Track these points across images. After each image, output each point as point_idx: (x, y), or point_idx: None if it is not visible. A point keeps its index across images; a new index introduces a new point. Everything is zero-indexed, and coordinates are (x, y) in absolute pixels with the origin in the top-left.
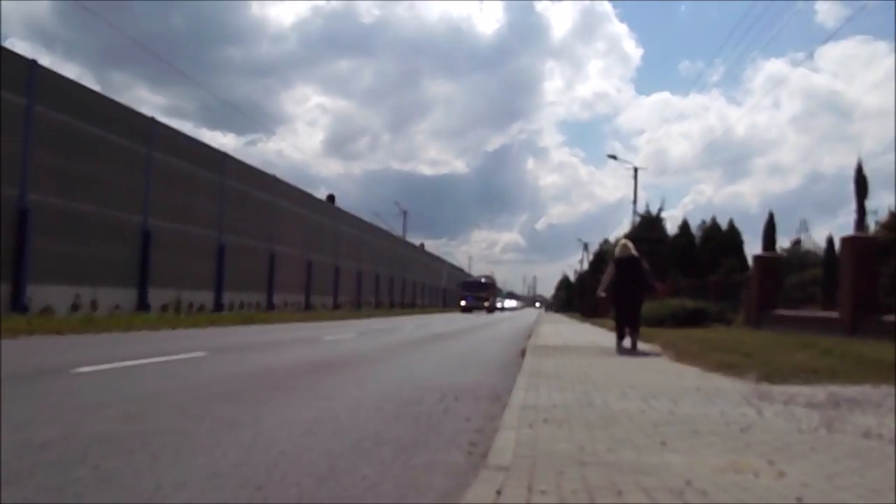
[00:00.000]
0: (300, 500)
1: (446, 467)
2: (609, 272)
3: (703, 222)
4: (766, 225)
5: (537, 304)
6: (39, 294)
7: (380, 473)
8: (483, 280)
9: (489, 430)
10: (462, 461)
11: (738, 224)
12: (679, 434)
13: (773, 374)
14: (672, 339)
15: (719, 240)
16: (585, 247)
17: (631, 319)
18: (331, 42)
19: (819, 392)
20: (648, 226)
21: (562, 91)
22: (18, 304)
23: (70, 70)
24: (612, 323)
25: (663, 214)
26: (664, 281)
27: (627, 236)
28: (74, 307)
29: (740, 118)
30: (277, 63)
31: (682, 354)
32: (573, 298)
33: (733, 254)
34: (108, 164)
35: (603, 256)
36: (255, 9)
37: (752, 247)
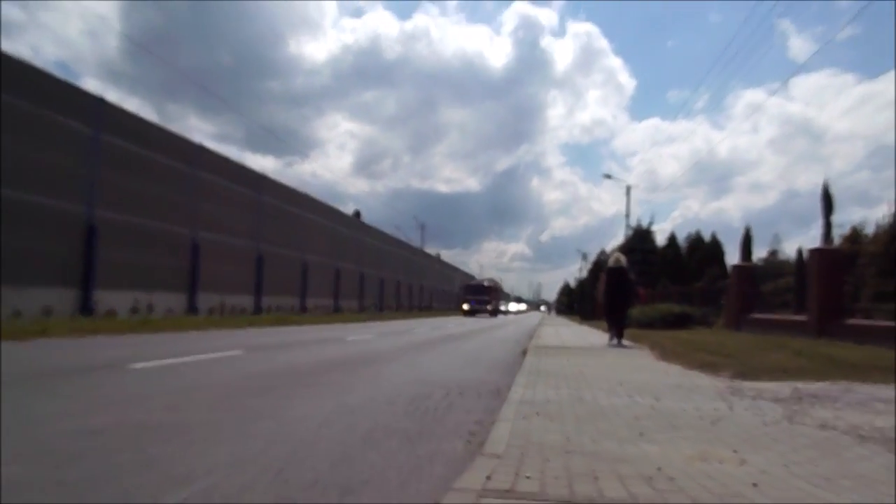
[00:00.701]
0: (315, 482)
1: (447, 455)
2: (602, 280)
3: (690, 235)
4: (744, 238)
5: (542, 308)
6: (104, 299)
7: (386, 460)
8: (486, 283)
9: (488, 423)
10: (461, 450)
11: (721, 236)
12: (657, 427)
13: (747, 372)
14: (659, 340)
15: (703, 250)
16: (584, 256)
17: (619, 319)
18: (359, 75)
19: (785, 388)
20: (640, 238)
21: (564, 117)
22: (86, 307)
23: (133, 103)
24: (606, 325)
25: (654, 227)
26: (648, 288)
27: (621, 248)
28: (134, 310)
29: (723, 141)
30: (312, 94)
31: (667, 354)
32: (574, 303)
33: (716, 263)
34: (162, 184)
35: (600, 265)
36: (292, 46)
37: (734, 257)
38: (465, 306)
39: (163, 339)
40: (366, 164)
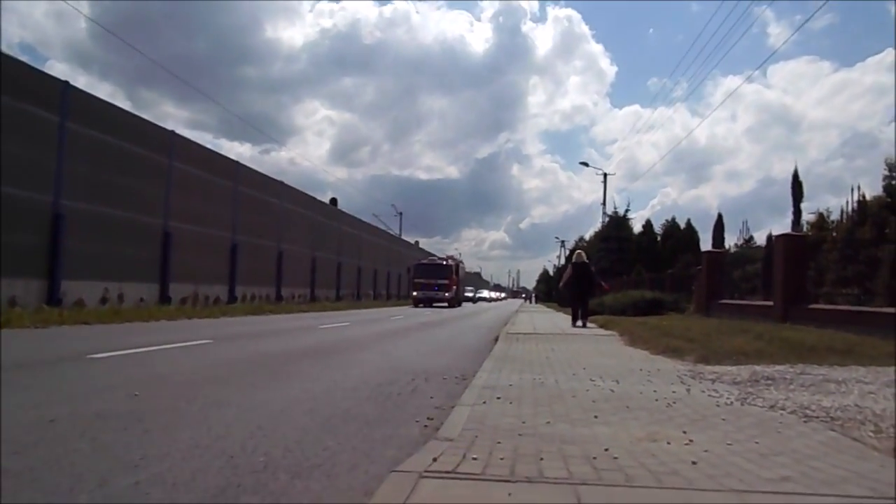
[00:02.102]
0: (266, 466)
1: (402, 440)
2: (568, 272)
3: (665, 222)
4: (715, 224)
5: (523, 297)
6: (73, 289)
7: (340, 445)
8: (443, 261)
9: (448, 407)
10: (417, 434)
11: (698, 224)
12: (612, 409)
13: (710, 356)
14: (629, 326)
15: (677, 237)
16: (562, 244)
17: (583, 307)
18: (337, 61)
19: (744, 371)
20: (616, 225)
21: (544, 104)
22: (53, 297)
23: (104, 89)
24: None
25: (631, 215)
26: (623, 275)
27: (597, 236)
28: (103, 300)
29: (701, 129)
30: (289, 80)
31: (635, 340)
32: (552, 290)
33: (690, 250)
34: (133, 173)
35: (581, 249)
36: (269, 32)
37: (709, 244)
38: (415, 293)
39: (132, 328)
40: (344, 152)
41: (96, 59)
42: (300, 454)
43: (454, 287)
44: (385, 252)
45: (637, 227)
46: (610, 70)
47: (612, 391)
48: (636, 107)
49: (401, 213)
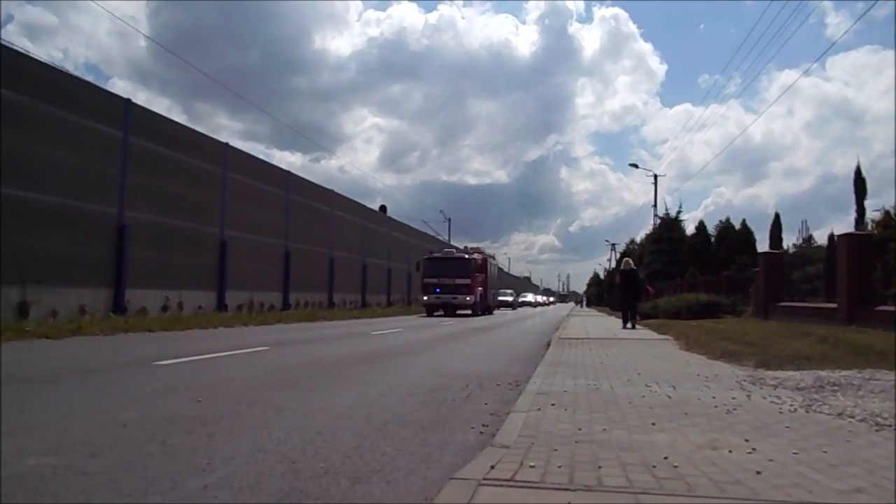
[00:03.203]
0: (326, 471)
1: (458, 445)
2: (617, 279)
3: (720, 223)
4: (773, 224)
5: (574, 302)
6: (136, 297)
7: (398, 450)
8: (462, 254)
9: (502, 414)
10: (473, 440)
11: (754, 224)
12: (670, 416)
13: (769, 360)
14: (684, 329)
15: (732, 238)
16: (613, 247)
17: (631, 310)
18: (385, 69)
19: (808, 377)
20: (668, 227)
21: (592, 105)
22: (119, 306)
23: (162, 103)
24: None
25: (684, 216)
26: (675, 278)
27: (648, 238)
28: (164, 308)
29: (757, 125)
30: (338, 89)
31: (691, 344)
32: (603, 294)
33: (746, 251)
34: (190, 184)
35: (629, 255)
36: (317, 42)
37: (765, 245)
38: (426, 297)
39: (192, 335)
40: (393, 159)
41: (155, 75)
42: (359, 459)
43: (479, 289)
44: None
45: (689, 229)
46: (660, 69)
47: (669, 397)
48: (687, 105)
49: (449, 219)
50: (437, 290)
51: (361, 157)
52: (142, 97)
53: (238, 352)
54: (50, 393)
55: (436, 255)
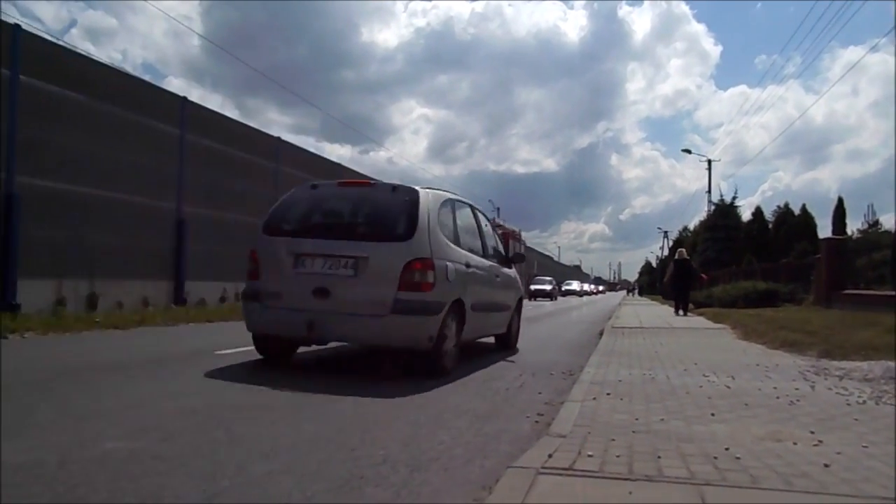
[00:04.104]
0: (385, 459)
1: (513, 435)
2: (670, 268)
3: (778, 208)
4: (836, 209)
5: (626, 290)
6: (195, 289)
7: (454, 439)
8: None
9: (557, 403)
10: (528, 429)
11: (816, 209)
12: (729, 406)
13: (833, 350)
14: (741, 318)
15: (791, 224)
16: (665, 235)
17: (683, 299)
18: (432, 59)
19: (876, 367)
20: (722, 214)
21: (643, 90)
22: (179, 297)
23: (215, 100)
24: (690, 306)
25: (739, 202)
26: (731, 265)
27: (703, 225)
28: (222, 299)
29: (818, 106)
30: (385, 81)
31: (749, 333)
32: (655, 282)
33: (806, 237)
34: (244, 178)
35: (682, 243)
36: (365, 35)
37: (827, 231)
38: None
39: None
40: (441, 149)
41: (208, 72)
42: (416, 448)
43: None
44: None
45: (746, 215)
46: (714, 50)
47: (728, 387)
48: (743, 87)
49: (498, 209)
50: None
51: (409, 147)
52: (196, 94)
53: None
54: (122, 381)
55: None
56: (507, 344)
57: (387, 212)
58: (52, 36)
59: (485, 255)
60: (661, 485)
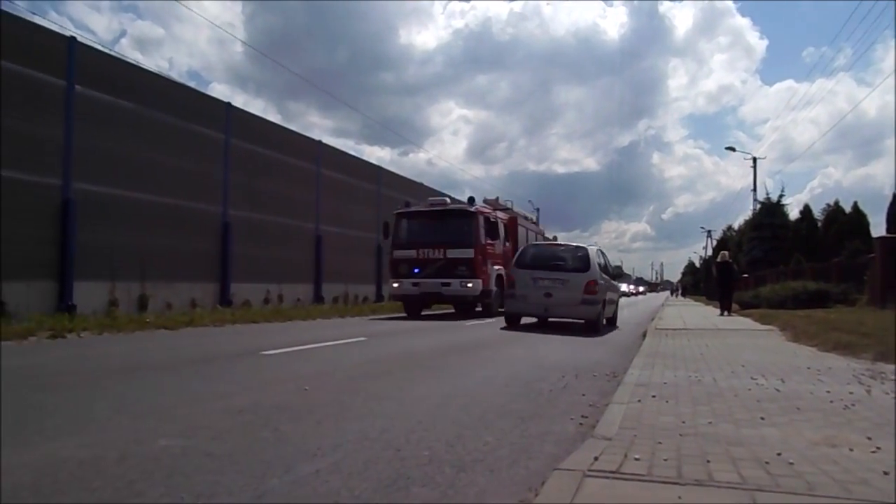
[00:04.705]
0: (430, 460)
1: (558, 436)
2: (715, 270)
3: (827, 206)
4: (891, 206)
5: (669, 291)
6: (241, 291)
7: (499, 440)
8: (458, 208)
9: (601, 405)
10: (572, 431)
11: (868, 206)
12: (780, 410)
13: (889, 353)
14: (791, 320)
15: (842, 222)
16: (709, 234)
17: (727, 300)
18: (470, 60)
19: None
20: (769, 212)
21: (686, 87)
22: (225, 299)
23: (257, 105)
24: (735, 306)
25: (787, 200)
26: (779, 265)
27: (748, 224)
28: (266, 300)
29: (871, 99)
30: (424, 83)
31: (799, 335)
32: (699, 282)
33: (858, 236)
34: (286, 181)
35: (726, 243)
36: (403, 37)
37: (881, 229)
38: (395, 283)
39: (293, 326)
40: (480, 150)
41: (251, 78)
42: (461, 448)
43: (498, 268)
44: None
45: (793, 213)
46: (759, 44)
47: (778, 390)
48: (790, 82)
49: (538, 209)
50: (413, 271)
51: (449, 149)
52: (239, 100)
53: (337, 342)
54: (173, 380)
55: (412, 208)
56: (613, 322)
57: (575, 257)
58: (103, 46)
59: (608, 274)
60: (711, 489)
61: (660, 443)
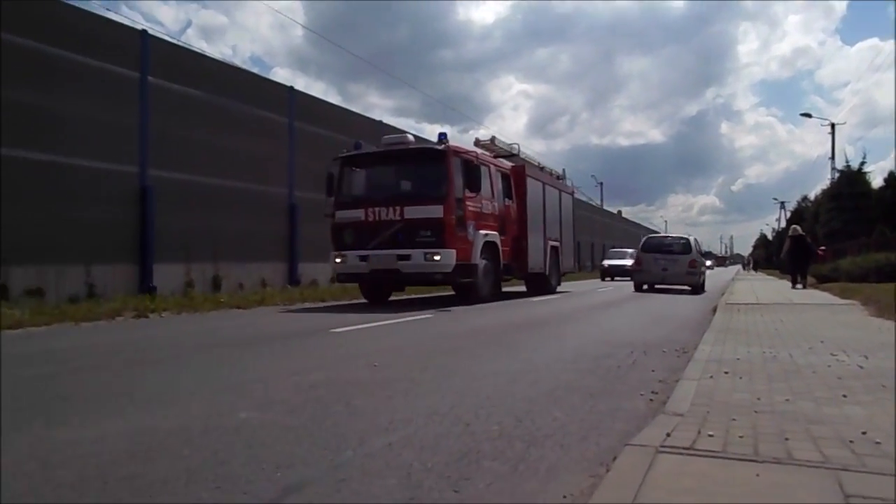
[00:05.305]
0: (500, 434)
1: (628, 413)
2: (787, 244)
3: None
4: None
5: (741, 265)
6: (308, 270)
7: (568, 416)
8: (425, 147)
9: (671, 381)
10: (643, 407)
11: None
12: (864, 388)
13: None
14: (874, 294)
15: None
16: (782, 205)
17: (801, 273)
18: (530, 34)
19: None
20: (849, 181)
21: (757, 52)
22: (293, 278)
23: (318, 87)
24: (811, 280)
25: (869, 168)
26: (860, 237)
27: (826, 193)
28: (332, 280)
29: None
30: (483, 58)
31: (883, 309)
32: (772, 256)
33: None
34: None
35: (801, 214)
36: (461, 14)
37: None
38: (338, 258)
39: (359, 305)
40: (541, 124)
41: (312, 61)
42: (531, 424)
43: (470, 231)
44: (588, 223)
45: (877, 181)
46: (838, 3)
47: (861, 367)
48: (874, 40)
49: (601, 183)
50: (360, 240)
51: (509, 125)
52: (301, 83)
53: (404, 319)
54: (248, 356)
55: (362, 151)
56: (703, 287)
57: (680, 244)
58: (171, 37)
59: (701, 255)
60: (790, 468)
61: (734, 420)
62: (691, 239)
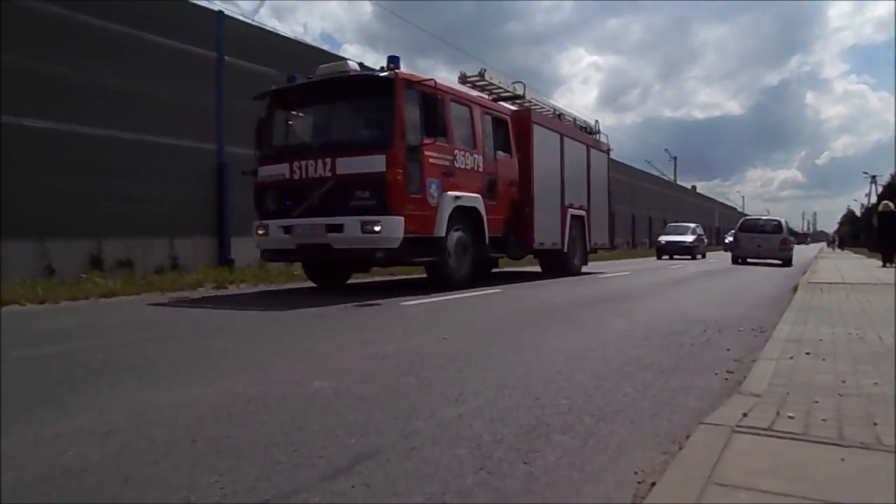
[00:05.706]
0: (570, 409)
1: (701, 391)
2: (875, 221)
3: None
4: None
5: (826, 242)
6: None
7: (639, 392)
8: (349, 72)
9: (748, 361)
10: (717, 386)
11: None
12: None
13: None
14: None
15: None
16: (873, 180)
17: (890, 251)
18: (601, 3)
19: None
20: None
21: (849, 14)
22: None
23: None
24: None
25: None
26: None
27: None
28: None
29: None
30: (552, 31)
31: None
32: (860, 233)
33: None
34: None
35: (894, 189)
36: None
37: None
38: (260, 232)
39: (422, 281)
40: (612, 97)
41: (381, 37)
42: (600, 399)
43: (431, 191)
44: (659, 198)
45: None
46: None
47: None
48: None
49: (675, 157)
50: (288, 205)
51: (579, 98)
52: (370, 59)
53: (473, 293)
54: (322, 327)
55: (293, 84)
56: (791, 261)
57: (772, 225)
58: (245, 17)
59: (790, 233)
60: (879, 454)
61: (816, 402)
62: (782, 221)
